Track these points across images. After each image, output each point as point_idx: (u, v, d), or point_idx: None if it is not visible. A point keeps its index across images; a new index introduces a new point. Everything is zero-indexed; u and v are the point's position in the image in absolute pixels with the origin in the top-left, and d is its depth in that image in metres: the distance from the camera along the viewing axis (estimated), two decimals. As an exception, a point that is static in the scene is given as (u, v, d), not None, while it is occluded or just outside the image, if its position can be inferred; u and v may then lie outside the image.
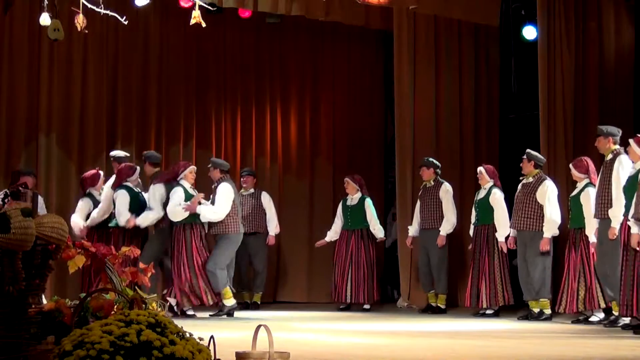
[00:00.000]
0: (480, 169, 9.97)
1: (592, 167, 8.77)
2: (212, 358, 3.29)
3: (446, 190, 10.38)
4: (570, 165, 8.96)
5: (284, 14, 10.70)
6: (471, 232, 9.99)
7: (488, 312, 9.65)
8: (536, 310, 9.07)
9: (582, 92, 10.71)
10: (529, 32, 11.68)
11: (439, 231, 10.25)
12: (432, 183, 10.45)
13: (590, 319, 8.57)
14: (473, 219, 9.96)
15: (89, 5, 7.88)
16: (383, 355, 5.55)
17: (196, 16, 7.78)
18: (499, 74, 12.20)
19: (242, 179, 11.15)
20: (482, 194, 9.85)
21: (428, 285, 10.43)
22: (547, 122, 10.53)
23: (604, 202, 8.06)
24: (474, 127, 11.95)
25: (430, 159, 10.59)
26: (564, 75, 10.61)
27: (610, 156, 8.19)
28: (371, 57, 13.10)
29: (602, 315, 8.52)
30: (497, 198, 9.62)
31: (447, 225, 10.27)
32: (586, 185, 8.68)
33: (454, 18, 11.46)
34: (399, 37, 11.59)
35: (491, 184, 9.80)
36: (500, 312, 9.67)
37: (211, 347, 3.33)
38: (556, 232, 9.07)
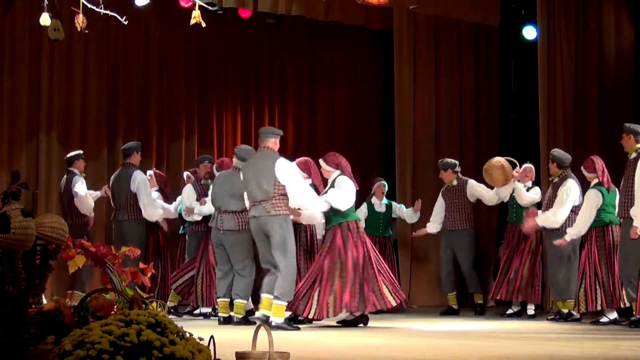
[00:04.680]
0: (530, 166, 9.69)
1: (599, 165, 8.49)
2: (212, 358, 3.29)
3: (472, 186, 9.96)
4: (582, 167, 8.68)
5: (284, 14, 10.70)
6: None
7: (529, 311, 9.44)
8: (565, 310, 8.84)
9: (582, 92, 10.71)
10: (529, 32, 11.70)
11: (468, 231, 9.95)
12: (455, 183, 10.04)
13: (600, 320, 8.39)
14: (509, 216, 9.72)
15: (89, 5, 7.89)
16: (383, 355, 5.54)
17: (196, 16, 7.79)
18: (499, 74, 12.22)
19: None
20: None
21: (449, 287, 10.09)
22: (547, 122, 10.53)
23: (626, 201, 7.84)
24: (474, 127, 11.97)
25: (445, 160, 10.18)
26: (564, 75, 10.62)
27: (634, 155, 7.96)
28: (371, 57, 13.12)
29: (613, 315, 8.36)
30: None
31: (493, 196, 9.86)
32: (593, 186, 8.49)
33: (454, 18, 11.47)
34: (399, 37, 11.60)
35: (530, 183, 9.57)
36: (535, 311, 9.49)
37: (211, 347, 3.33)
38: (550, 226, 8.83)
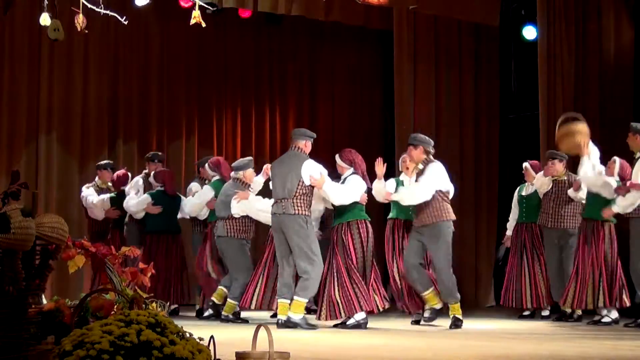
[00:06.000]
0: (526, 164, 9.32)
1: (628, 170, 8.17)
2: (212, 358, 3.29)
3: (432, 165, 7.89)
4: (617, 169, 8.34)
5: (284, 13, 10.70)
6: (509, 232, 9.47)
7: (544, 312, 9.26)
8: (569, 310, 8.76)
9: (582, 92, 10.72)
10: (529, 32, 11.71)
11: (435, 226, 7.84)
12: (422, 167, 7.98)
13: (602, 320, 8.27)
14: (515, 215, 9.44)
15: (89, 5, 7.89)
16: (383, 355, 5.54)
17: (196, 16, 7.79)
18: (499, 74, 12.23)
19: None
20: (530, 189, 9.34)
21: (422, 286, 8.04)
22: (547, 122, 10.53)
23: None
24: (474, 127, 11.97)
25: (419, 135, 8.19)
26: (564, 75, 10.62)
27: (639, 154, 7.96)
28: (371, 57, 13.12)
29: (615, 315, 8.26)
30: None
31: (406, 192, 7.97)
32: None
33: (454, 18, 11.47)
34: (399, 37, 11.61)
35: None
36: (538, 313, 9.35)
37: (211, 347, 3.33)
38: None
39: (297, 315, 7.63)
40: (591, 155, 7.96)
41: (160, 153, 10.26)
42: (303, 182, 7.76)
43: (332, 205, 8.04)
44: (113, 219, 9.67)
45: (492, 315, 9.79)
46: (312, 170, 7.79)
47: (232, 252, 8.60)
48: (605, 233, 8.29)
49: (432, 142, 8.02)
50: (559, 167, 8.94)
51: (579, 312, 8.72)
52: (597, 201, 8.24)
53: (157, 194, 9.44)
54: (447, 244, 7.88)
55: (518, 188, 9.58)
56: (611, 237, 8.29)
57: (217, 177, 9.17)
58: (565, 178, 8.92)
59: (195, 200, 9.25)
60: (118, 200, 9.60)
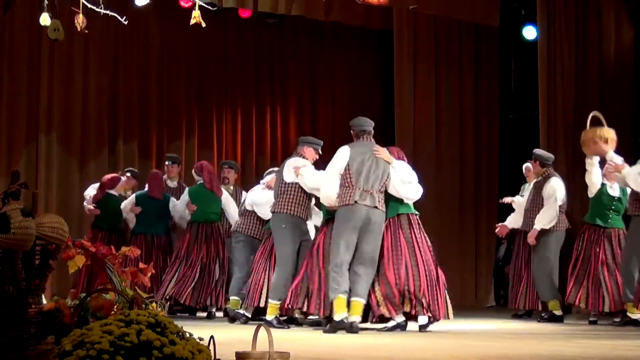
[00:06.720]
0: (529, 165, 9.26)
1: None
2: (212, 358, 3.29)
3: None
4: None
5: (284, 14, 10.71)
6: (506, 223, 9.36)
7: (543, 315, 9.05)
8: (559, 313, 8.70)
9: (582, 92, 10.72)
10: (529, 32, 11.72)
11: (338, 212, 7.29)
12: None
13: (615, 320, 8.21)
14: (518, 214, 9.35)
15: (89, 5, 7.89)
16: (383, 355, 5.54)
17: (196, 16, 7.79)
18: (499, 74, 12.23)
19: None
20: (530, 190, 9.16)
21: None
22: (547, 122, 10.53)
23: (638, 198, 7.80)
24: (474, 127, 11.98)
25: (358, 118, 8.09)
26: (564, 75, 10.63)
27: (539, 179, 8.27)
28: (371, 57, 13.12)
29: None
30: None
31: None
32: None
33: (454, 18, 11.48)
34: (399, 37, 11.62)
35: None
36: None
37: (211, 347, 3.33)
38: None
39: (269, 317, 7.61)
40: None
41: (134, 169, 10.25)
42: (282, 179, 7.81)
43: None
44: (95, 216, 9.58)
45: (492, 315, 9.78)
46: (295, 163, 7.83)
47: (233, 250, 8.73)
48: (609, 237, 8.29)
49: (369, 125, 7.96)
50: (534, 167, 8.89)
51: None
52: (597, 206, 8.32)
53: (141, 195, 9.43)
54: (337, 231, 7.15)
55: (521, 188, 9.57)
56: (617, 241, 8.27)
57: (200, 181, 9.15)
58: (540, 179, 8.76)
59: (176, 202, 9.36)
60: (100, 202, 9.47)
